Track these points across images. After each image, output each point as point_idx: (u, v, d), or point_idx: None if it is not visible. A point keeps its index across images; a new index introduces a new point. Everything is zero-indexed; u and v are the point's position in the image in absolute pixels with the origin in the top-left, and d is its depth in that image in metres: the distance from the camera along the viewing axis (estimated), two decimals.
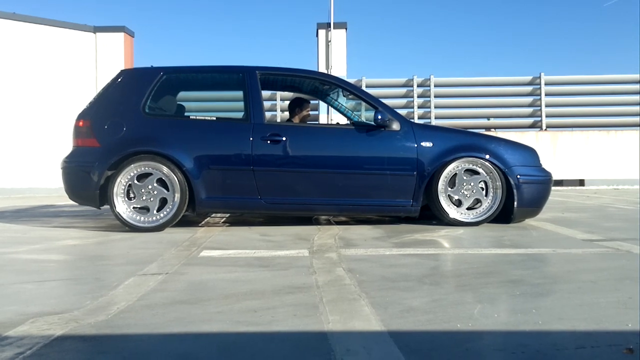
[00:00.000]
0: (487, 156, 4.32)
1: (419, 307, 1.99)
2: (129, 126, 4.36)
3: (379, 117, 4.29)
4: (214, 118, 4.57)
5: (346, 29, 12.02)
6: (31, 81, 10.80)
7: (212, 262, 2.97)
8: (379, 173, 4.35)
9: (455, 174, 4.34)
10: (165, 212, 4.24)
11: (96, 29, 11.60)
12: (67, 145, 4.63)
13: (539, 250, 3.26)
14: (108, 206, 4.30)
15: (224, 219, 5.18)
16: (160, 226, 4.23)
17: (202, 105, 11.30)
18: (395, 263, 2.88)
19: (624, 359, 1.49)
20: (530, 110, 11.93)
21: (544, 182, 4.46)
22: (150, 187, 4.23)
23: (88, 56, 11.50)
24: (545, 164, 4.75)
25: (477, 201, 4.38)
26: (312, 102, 5.83)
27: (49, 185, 10.12)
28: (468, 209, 4.38)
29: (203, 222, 4.90)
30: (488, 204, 4.36)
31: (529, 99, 11.91)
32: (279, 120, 11.42)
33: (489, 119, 12.26)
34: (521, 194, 4.29)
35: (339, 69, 11.78)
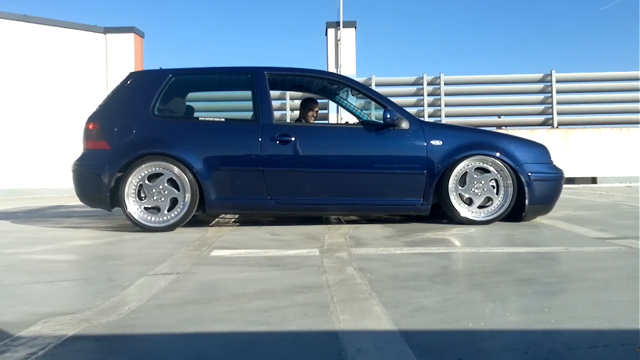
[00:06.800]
0: (498, 154, 4.30)
1: (430, 306, 1.98)
2: (139, 128, 4.38)
3: (388, 115, 4.28)
4: (223, 119, 4.58)
5: (355, 27, 11.98)
6: (42, 82, 10.87)
7: (222, 262, 2.98)
8: (388, 172, 4.34)
9: (466, 172, 4.32)
10: (176, 212, 4.26)
11: (106, 30, 11.66)
12: (77, 146, 4.66)
13: (551, 248, 3.24)
14: (118, 207, 4.33)
15: (234, 218, 5.20)
16: (171, 226, 4.25)
17: (211, 106, 11.35)
18: (406, 262, 2.87)
19: (637, 357, 1.48)
20: (541, 107, 11.83)
21: (555, 179, 4.43)
22: (161, 187, 4.25)
23: (98, 57, 11.56)
24: (557, 161, 4.71)
25: (488, 199, 4.36)
26: (322, 101, 5.84)
27: (60, 185, 10.20)
28: (479, 207, 4.36)
29: (213, 222, 4.91)
30: (499, 202, 4.33)
31: (540, 97, 11.82)
32: (288, 120, 11.43)
33: (499, 117, 12.18)
34: (532, 191, 4.26)
35: (348, 68, 11.75)
